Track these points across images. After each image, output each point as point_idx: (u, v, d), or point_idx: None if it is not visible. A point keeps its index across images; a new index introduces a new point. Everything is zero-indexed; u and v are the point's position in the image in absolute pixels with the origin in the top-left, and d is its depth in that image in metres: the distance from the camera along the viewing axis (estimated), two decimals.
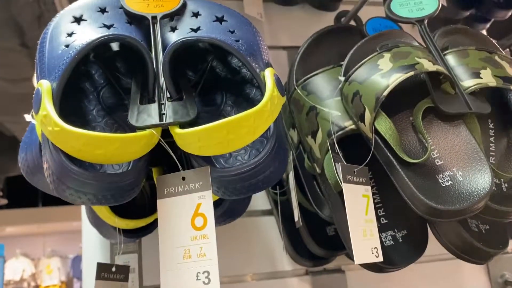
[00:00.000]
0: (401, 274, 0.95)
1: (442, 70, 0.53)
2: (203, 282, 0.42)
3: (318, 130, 0.61)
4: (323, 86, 0.63)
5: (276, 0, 0.97)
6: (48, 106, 0.42)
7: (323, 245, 0.76)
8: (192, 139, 0.43)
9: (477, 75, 0.55)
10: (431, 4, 0.63)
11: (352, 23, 0.80)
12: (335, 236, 0.78)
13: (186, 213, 0.44)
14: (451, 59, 0.58)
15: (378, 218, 0.62)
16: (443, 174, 0.52)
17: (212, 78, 0.55)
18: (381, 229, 0.62)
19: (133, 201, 0.71)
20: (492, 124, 0.59)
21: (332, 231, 0.78)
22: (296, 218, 0.69)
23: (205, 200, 0.44)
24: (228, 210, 0.58)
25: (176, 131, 0.43)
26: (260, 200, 0.92)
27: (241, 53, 0.47)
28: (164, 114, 0.45)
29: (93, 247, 0.75)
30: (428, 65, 0.52)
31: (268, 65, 0.51)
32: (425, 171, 0.52)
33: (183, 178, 0.45)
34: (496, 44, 0.63)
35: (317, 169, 0.63)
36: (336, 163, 0.57)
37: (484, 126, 0.58)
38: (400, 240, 0.62)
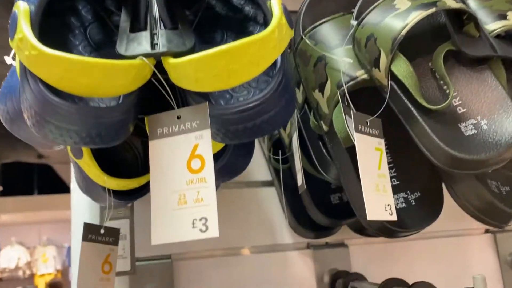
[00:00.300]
0: (405, 251, 0.91)
1: (466, 8, 0.48)
2: (200, 229, 0.37)
3: (327, 82, 0.56)
4: (332, 34, 0.58)
5: None
6: (24, 28, 0.36)
7: (326, 213, 0.71)
8: (188, 70, 0.38)
9: (503, 17, 0.50)
10: None
11: None
12: (340, 205, 0.74)
13: (182, 155, 0.39)
14: (471, 2, 0.53)
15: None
16: (466, 123, 0.47)
17: (211, 16, 0.50)
18: (393, 190, 0.57)
19: (125, 160, 0.66)
20: None
21: (337, 199, 0.73)
22: (299, 182, 0.64)
23: (203, 140, 0.39)
24: (228, 164, 0.53)
25: (170, 61, 0.38)
26: (260, 171, 0.87)
27: None
28: (156, 44, 0.40)
29: (82, 212, 0.70)
30: (451, 2, 0.47)
31: None
32: (446, 119, 0.47)
33: (178, 117, 0.40)
34: None
35: (324, 127, 0.58)
36: (347, 116, 0.52)
37: (510, 75, 0.53)
38: (413, 203, 0.57)
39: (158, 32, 0.40)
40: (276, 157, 0.76)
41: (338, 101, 0.54)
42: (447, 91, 0.48)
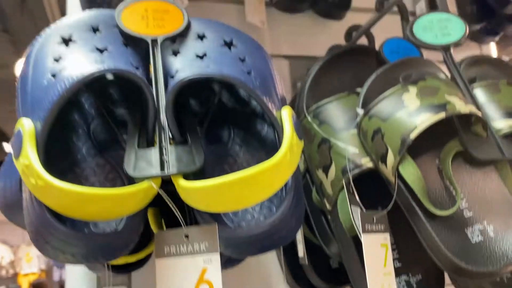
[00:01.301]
0: None
1: (476, 112, 0.48)
2: None
3: (331, 165, 0.55)
4: (337, 116, 0.57)
5: (279, 7, 0.90)
6: (31, 155, 0.35)
7: (326, 278, 0.71)
8: (199, 195, 0.37)
9: (510, 115, 0.50)
10: (458, 28, 0.57)
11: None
12: (339, 269, 0.73)
13: (189, 278, 0.38)
14: (480, 93, 0.53)
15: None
16: (472, 228, 0.47)
17: (218, 109, 0.49)
18: (395, 273, 0.57)
19: None
20: None
21: (336, 264, 0.73)
22: (300, 254, 0.64)
23: (212, 265, 0.38)
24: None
25: (181, 184, 0.37)
26: None
27: (257, 93, 0.40)
28: (166, 161, 0.39)
29: (77, 278, 0.69)
30: (460, 106, 0.47)
31: (283, 100, 0.46)
32: (452, 224, 0.47)
33: (186, 236, 0.39)
34: None
35: (328, 206, 0.58)
36: (352, 206, 0.51)
37: None
38: (415, 286, 0.57)
39: (168, 147, 0.39)
40: None
41: (343, 187, 0.54)
42: (454, 194, 0.47)
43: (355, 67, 0.63)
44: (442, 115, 0.46)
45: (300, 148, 0.41)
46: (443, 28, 0.57)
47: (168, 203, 0.38)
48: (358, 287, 0.57)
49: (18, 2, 2.62)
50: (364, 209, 0.51)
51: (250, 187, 0.36)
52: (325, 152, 0.56)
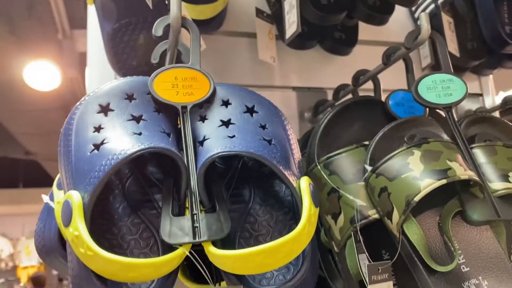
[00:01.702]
0: None
1: (473, 177, 0.52)
2: None
3: (340, 214, 0.60)
4: (346, 168, 0.62)
5: (290, 45, 0.94)
6: (80, 227, 0.40)
7: None
8: (227, 261, 0.42)
9: (505, 177, 0.55)
10: (459, 89, 0.62)
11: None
12: None
13: None
14: (479, 154, 0.58)
15: None
16: (468, 282, 0.52)
17: (240, 169, 0.54)
18: None
19: None
20: None
21: None
22: None
23: None
24: None
25: (211, 251, 0.42)
26: None
27: (278, 166, 0.45)
28: (197, 227, 0.43)
29: None
30: (460, 172, 0.52)
31: (300, 168, 0.50)
32: (451, 278, 0.52)
33: None
34: None
35: (336, 248, 0.63)
36: (359, 255, 0.56)
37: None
38: None
39: (199, 214, 0.44)
40: None
41: (351, 236, 0.59)
42: (453, 251, 0.52)
43: (363, 118, 0.67)
44: (443, 181, 0.51)
45: (316, 216, 0.46)
46: (445, 88, 0.62)
47: (199, 267, 0.43)
48: None
49: (26, 6, 2.65)
50: (369, 259, 0.56)
51: (272, 256, 0.41)
52: (335, 201, 0.61)
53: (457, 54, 0.97)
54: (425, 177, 0.52)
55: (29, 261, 6.36)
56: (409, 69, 0.71)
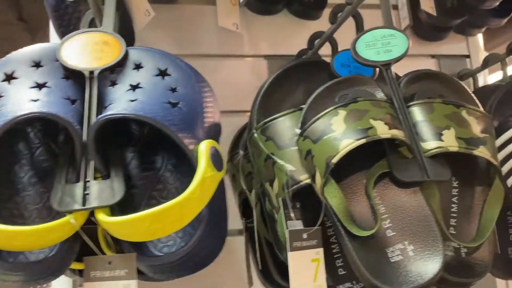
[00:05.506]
0: None
1: (397, 135, 0.49)
2: None
3: (275, 180, 0.58)
4: (282, 132, 0.59)
5: (251, 9, 0.91)
6: None
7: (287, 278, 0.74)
8: (115, 228, 0.41)
9: (438, 136, 0.51)
10: (400, 45, 0.58)
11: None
12: None
13: None
14: (416, 112, 0.54)
15: (336, 268, 0.60)
16: (393, 248, 0.49)
17: (151, 136, 0.52)
18: (340, 280, 0.60)
19: None
20: (456, 182, 0.56)
21: None
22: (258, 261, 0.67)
23: None
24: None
25: (99, 218, 0.41)
26: (234, 220, 0.90)
27: (171, 129, 0.43)
28: (88, 194, 0.42)
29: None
30: (382, 131, 0.49)
31: (209, 132, 0.48)
32: (374, 243, 0.49)
33: (109, 263, 0.43)
34: (471, 93, 0.58)
35: (275, 216, 0.61)
36: (288, 222, 0.54)
37: (447, 185, 0.55)
38: None
39: (91, 182, 0.43)
40: (246, 220, 0.78)
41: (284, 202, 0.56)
42: (377, 215, 0.49)
43: (306, 80, 0.64)
44: (363, 140, 0.48)
45: (216, 180, 0.44)
46: (385, 44, 0.58)
47: (83, 237, 0.42)
48: None
49: None
50: (299, 225, 0.54)
51: (160, 222, 0.40)
52: (270, 167, 0.59)
53: (433, 13, 0.91)
54: (345, 138, 0.49)
55: None
56: (358, 27, 0.67)
